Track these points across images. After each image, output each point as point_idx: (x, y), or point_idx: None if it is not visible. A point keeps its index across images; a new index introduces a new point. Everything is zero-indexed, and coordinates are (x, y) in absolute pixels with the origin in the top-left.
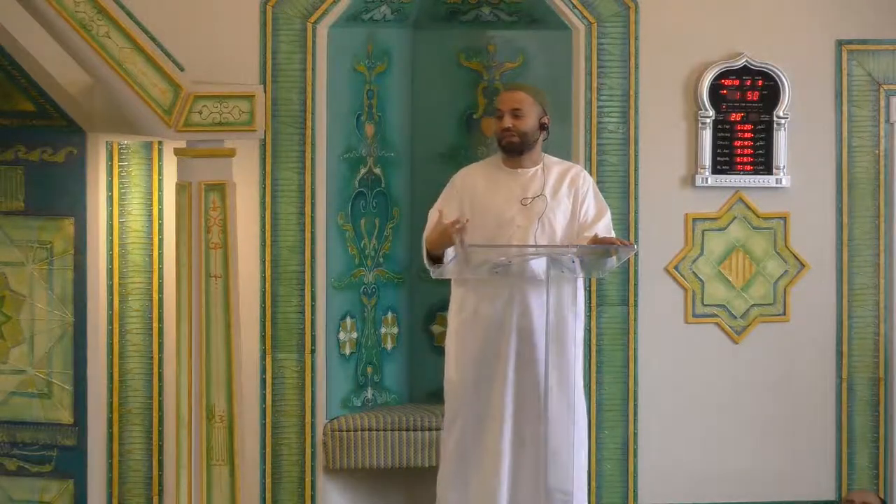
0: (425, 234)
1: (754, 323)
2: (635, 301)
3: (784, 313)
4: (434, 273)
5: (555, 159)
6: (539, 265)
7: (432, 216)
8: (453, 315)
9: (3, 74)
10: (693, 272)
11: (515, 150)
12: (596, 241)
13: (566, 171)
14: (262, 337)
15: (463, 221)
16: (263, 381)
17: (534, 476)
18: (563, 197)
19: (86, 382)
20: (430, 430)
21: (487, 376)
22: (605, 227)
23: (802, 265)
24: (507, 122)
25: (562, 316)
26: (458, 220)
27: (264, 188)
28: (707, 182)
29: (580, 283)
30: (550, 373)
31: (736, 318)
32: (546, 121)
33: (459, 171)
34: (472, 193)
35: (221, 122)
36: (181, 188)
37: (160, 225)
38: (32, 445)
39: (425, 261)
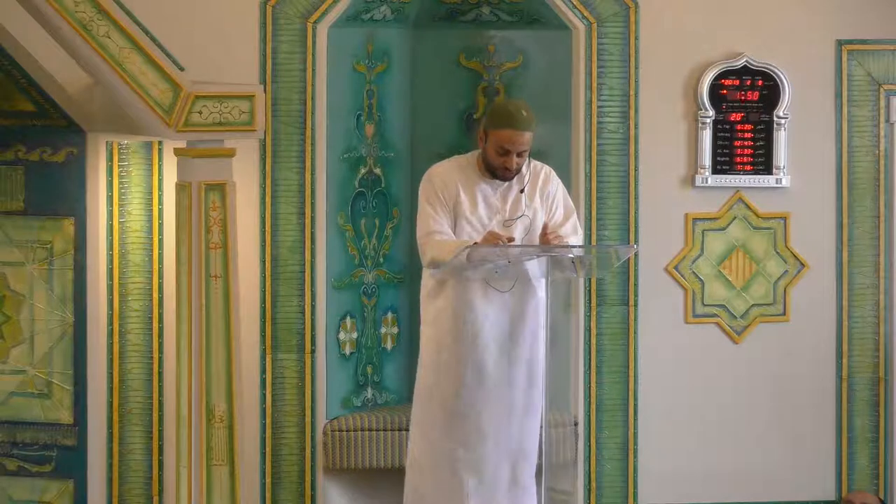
0: (436, 247)
1: (754, 323)
2: (635, 301)
3: (784, 313)
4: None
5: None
6: (539, 266)
7: (428, 222)
8: (429, 325)
9: (3, 74)
10: (693, 272)
11: (508, 180)
12: (542, 238)
13: (537, 173)
14: (262, 337)
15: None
16: (263, 381)
17: (510, 476)
18: (538, 203)
19: (86, 382)
20: None
21: (468, 382)
22: (571, 228)
23: (802, 265)
24: (514, 163)
25: (539, 318)
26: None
27: (264, 188)
28: (707, 182)
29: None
30: (530, 374)
31: (736, 318)
32: None
33: (433, 168)
34: (454, 201)
35: (221, 122)
36: (181, 188)
37: (160, 225)
38: (32, 445)
39: (440, 260)
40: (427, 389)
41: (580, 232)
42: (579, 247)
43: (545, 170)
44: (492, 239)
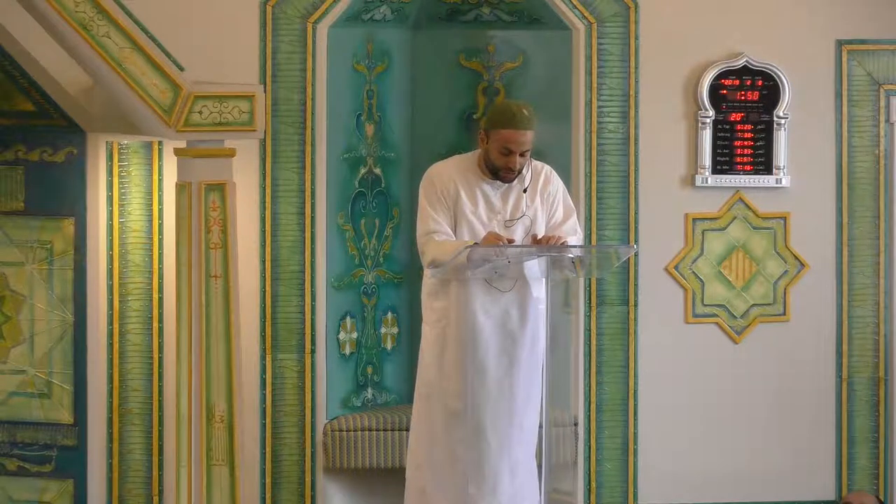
0: (435, 248)
1: (754, 323)
2: (635, 301)
3: (784, 313)
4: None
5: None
6: (539, 266)
7: (429, 223)
8: (431, 324)
9: (3, 74)
10: (693, 272)
11: (510, 181)
12: (534, 240)
13: (538, 173)
14: (262, 337)
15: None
16: (263, 381)
17: (510, 474)
18: (538, 203)
19: (86, 382)
20: None
21: (470, 381)
22: (570, 228)
23: (802, 265)
24: (517, 163)
25: (539, 318)
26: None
27: (264, 188)
28: (707, 182)
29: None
30: (530, 373)
31: (736, 318)
32: None
33: (433, 168)
34: (454, 202)
35: (221, 122)
36: (181, 188)
37: (160, 225)
38: (32, 445)
39: (440, 260)
40: (428, 389)
41: (580, 233)
42: (579, 247)
43: (546, 170)
44: (492, 239)
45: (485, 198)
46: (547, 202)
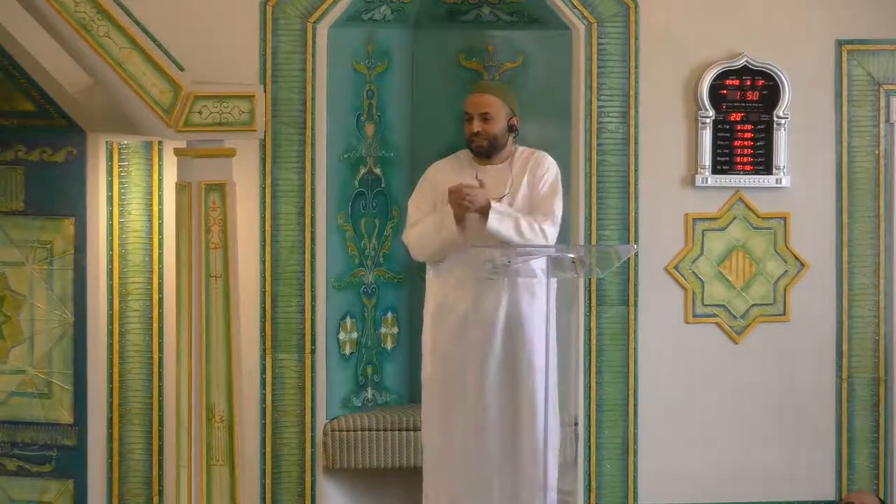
0: (414, 232)
1: (754, 323)
2: (635, 301)
3: (784, 313)
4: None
5: (525, 149)
6: (538, 265)
7: (412, 214)
8: (427, 310)
9: (3, 74)
10: (693, 272)
11: (484, 154)
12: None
13: (529, 157)
14: (262, 337)
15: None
16: (263, 381)
17: (510, 471)
18: (524, 186)
19: (86, 382)
20: None
21: (460, 370)
22: (542, 214)
23: (802, 265)
24: (476, 126)
25: (530, 312)
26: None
27: (264, 188)
28: (707, 182)
29: (554, 282)
30: (519, 368)
31: (736, 318)
32: (515, 122)
33: (433, 164)
34: (442, 189)
35: (221, 122)
36: (181, 188)
37: (160, 225)
38: (32, 445)
39: (421, 241)
40: (427, 382)
41: (549, 228)
42: (579, 247)
43: (538, 154)
44: (455, 194)
45: (472, 180)
46: (533, 183)
